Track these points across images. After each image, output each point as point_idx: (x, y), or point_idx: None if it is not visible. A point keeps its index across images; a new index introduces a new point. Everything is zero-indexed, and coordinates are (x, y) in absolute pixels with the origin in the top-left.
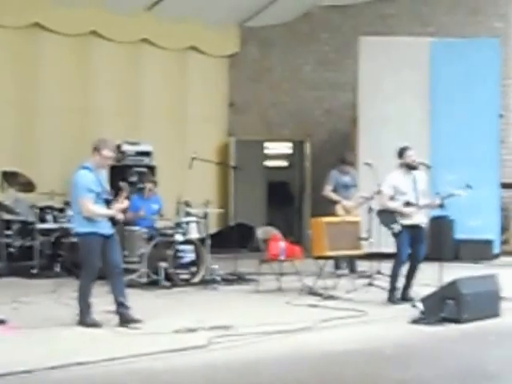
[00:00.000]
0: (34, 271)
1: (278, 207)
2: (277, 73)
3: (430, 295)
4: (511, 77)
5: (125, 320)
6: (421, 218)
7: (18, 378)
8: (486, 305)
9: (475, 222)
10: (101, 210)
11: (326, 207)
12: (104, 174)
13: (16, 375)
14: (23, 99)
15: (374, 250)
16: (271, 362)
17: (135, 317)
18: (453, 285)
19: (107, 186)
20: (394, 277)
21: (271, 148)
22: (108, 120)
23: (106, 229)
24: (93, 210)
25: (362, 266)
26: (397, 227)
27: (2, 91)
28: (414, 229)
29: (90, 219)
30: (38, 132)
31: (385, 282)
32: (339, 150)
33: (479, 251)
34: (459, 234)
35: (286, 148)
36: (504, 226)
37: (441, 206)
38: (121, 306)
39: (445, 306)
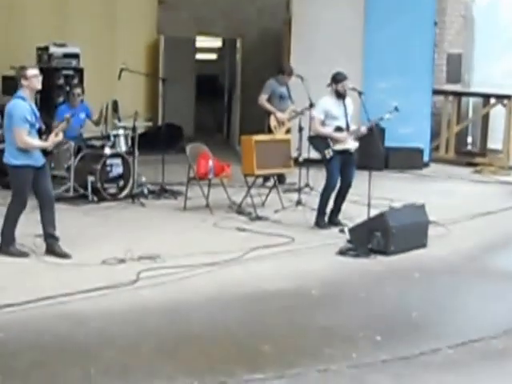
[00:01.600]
0: None
1: (207, 102)
2: None
3: (357, 226)
4: None
5: (52, 251)
6: (351, 143)
7: None
8: (414, 236)
9: (406, 129)
10: (35, 141)
11: (255, 108)
12: (33, 105)
13: None
14: None
15: (304, 156)
16: (200, 304)
17: (63, 250)
18: (381, 217)
19: (38, 115)
20: (323, 201)
21: (202, 41)
22: (33, 20)
23: (39, 160)
24: (28, 141)
25: (291, 175)
26: (329, 153)
27: None
28: (345, 153)
29: (23, 150)
30: None
31: (314, 198)
32: (271, 51)
33: (409, 159)
34: (389, 142)
35: (216, 42)
36: (435, 132)
37: (370, 130)
38: (50, 237)
39: (372, 238)
